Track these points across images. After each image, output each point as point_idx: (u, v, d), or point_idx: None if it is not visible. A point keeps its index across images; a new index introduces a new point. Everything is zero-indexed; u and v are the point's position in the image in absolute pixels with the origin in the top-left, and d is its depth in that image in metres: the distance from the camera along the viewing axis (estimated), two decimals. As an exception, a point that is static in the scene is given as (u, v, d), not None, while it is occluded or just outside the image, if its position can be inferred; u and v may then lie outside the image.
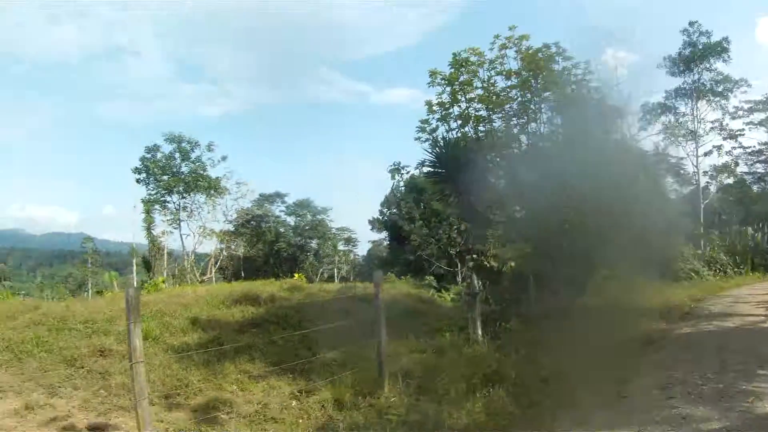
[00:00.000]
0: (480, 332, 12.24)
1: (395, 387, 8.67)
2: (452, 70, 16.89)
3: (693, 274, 26.78)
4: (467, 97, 17.03)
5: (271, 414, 7.99)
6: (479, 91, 17.05)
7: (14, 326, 13.09)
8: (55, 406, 8.33)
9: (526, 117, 16.87)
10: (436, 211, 40.16)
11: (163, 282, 27.89)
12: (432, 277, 39.31)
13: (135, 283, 39.40)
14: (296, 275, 28.05)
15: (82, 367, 10.17)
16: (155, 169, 43.88)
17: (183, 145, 44.57)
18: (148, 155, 44.40)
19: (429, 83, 17.21)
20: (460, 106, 17.17)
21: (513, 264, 18.53)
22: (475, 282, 13.32)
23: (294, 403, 8.40)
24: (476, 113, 17.18)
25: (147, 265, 42.60)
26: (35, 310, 15.05)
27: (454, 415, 7.36)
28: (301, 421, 7.77)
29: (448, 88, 17.07)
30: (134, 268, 46.92)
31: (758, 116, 47.71)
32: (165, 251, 42.77)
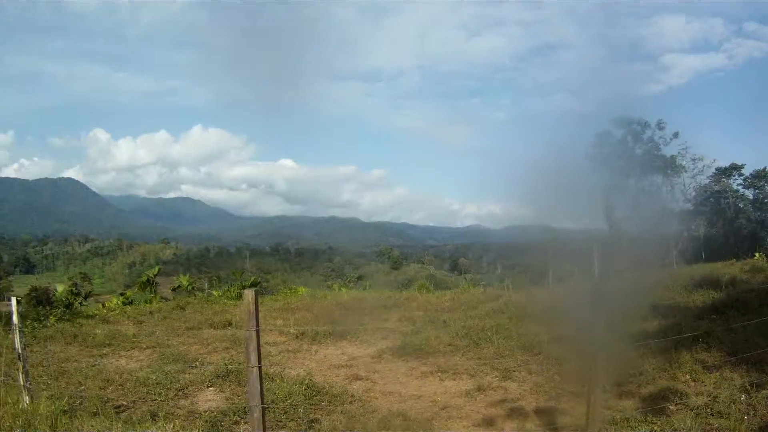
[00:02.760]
0: None
1: None
2: None
3: None
4: None
5: (719, 408, 7.50)
6: None
7: (475, 315, 14.62)
8: (507, 389, 9.09)
9: None
10: None
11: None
12: None
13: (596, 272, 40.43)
14: (756, 255, 25.43)
15: (539, 353, 10.89)
16: (609, 156, 44.44)
17: (633, 127, 44.08)
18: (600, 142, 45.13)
19: None
20: None
21: None
22: None
23: (743, 397, 7.73)
24: None
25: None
26: (496, 300, 16.60)
27: None
28: (746, 417, 7.12)
29: None
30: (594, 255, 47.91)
31: None
32: (629, 236, 43.05)
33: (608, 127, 45.16)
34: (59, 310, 16.80)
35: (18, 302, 7.88)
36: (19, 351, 7.59)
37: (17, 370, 7.71)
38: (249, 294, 5.98)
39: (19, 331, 7.65)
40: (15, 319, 7.68)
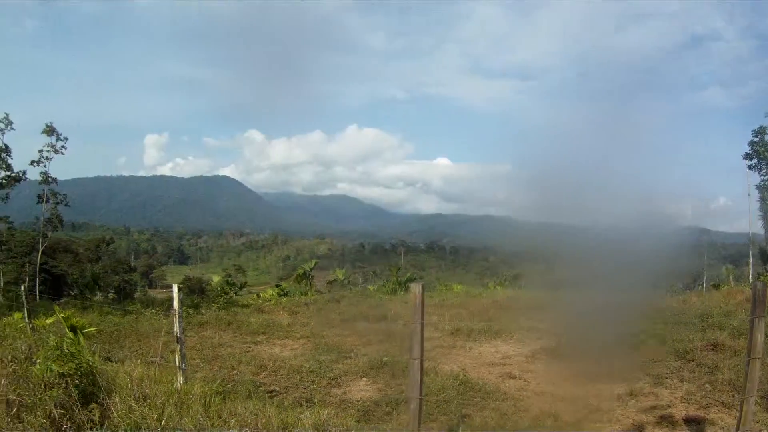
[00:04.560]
0: None
1: None
2: None
3: None
4: None
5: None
6: None
7: (631, 318, 14.42)
8: (658, 395, 9.06)
9: None
10: None
11: (783, 274, 26.53)
12: None
13: (750, 276, 38.20)
14: None
15: (692, 360, 10.76)
16: (766, 153, 42.03)
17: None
18: (756, 139, 42.77)
19: None
20: None
21: None
22: None
23: None
24: None
25: (764, 256, 40.95)
26: (652, 303, 16.26)
27: None
28: None
29: None
30: (750, 260, 45.30)
31: None
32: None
33: (763, 122, 42.59)
34: (221, 299, 18.08)
35: (179, 289, 8.33)
36: (178, 335, 8.06)
37: (172, 352, 8.32)
38: (416, 287, 6.13)
39: (179, 316, 8.10)
40: (176, 305, 8.15)
